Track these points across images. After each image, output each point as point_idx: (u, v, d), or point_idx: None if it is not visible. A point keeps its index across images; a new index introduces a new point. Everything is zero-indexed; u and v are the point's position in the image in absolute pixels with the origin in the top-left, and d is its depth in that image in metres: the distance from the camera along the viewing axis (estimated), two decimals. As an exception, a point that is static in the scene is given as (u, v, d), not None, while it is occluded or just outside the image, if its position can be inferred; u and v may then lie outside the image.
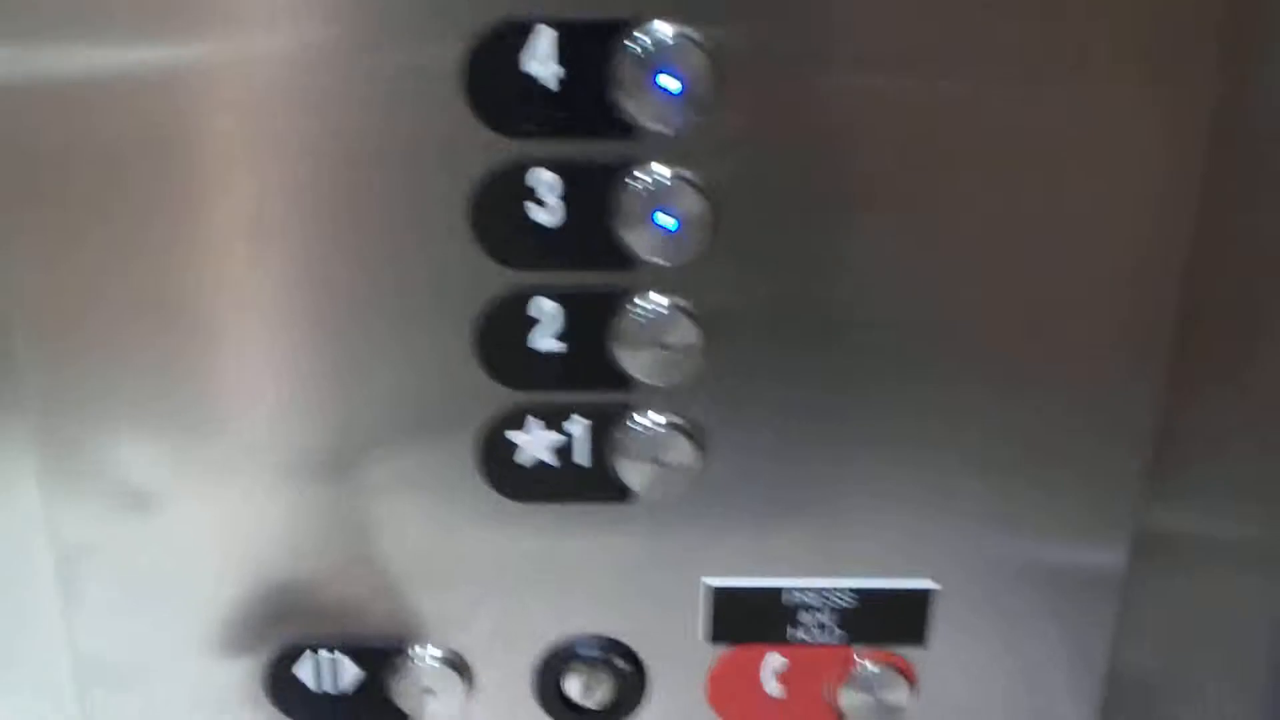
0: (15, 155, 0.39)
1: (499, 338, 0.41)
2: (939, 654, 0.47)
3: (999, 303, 0.41)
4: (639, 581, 0.46)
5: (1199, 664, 0.50)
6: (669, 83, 0.36)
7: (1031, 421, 0.43)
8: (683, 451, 0.43)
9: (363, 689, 0.47)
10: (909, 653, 0.47)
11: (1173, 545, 0.47)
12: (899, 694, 0.47)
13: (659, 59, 0.36)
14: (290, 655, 0.47)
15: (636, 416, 0.43)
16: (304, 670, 0.47)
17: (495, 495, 0.44)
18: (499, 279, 0.41)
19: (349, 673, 0.47)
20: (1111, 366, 0.43)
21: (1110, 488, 0.45)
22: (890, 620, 0.46)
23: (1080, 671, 0.48)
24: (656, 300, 0.40)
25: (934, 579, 0.46)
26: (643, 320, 0.40)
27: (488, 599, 0.46)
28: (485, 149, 0.38)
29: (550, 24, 0.37)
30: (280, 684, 0.48)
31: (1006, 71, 0.38)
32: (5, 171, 0.39)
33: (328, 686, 0.47)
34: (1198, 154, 0.39)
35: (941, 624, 0.47)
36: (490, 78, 0.37)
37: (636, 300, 0.40)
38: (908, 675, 0.47)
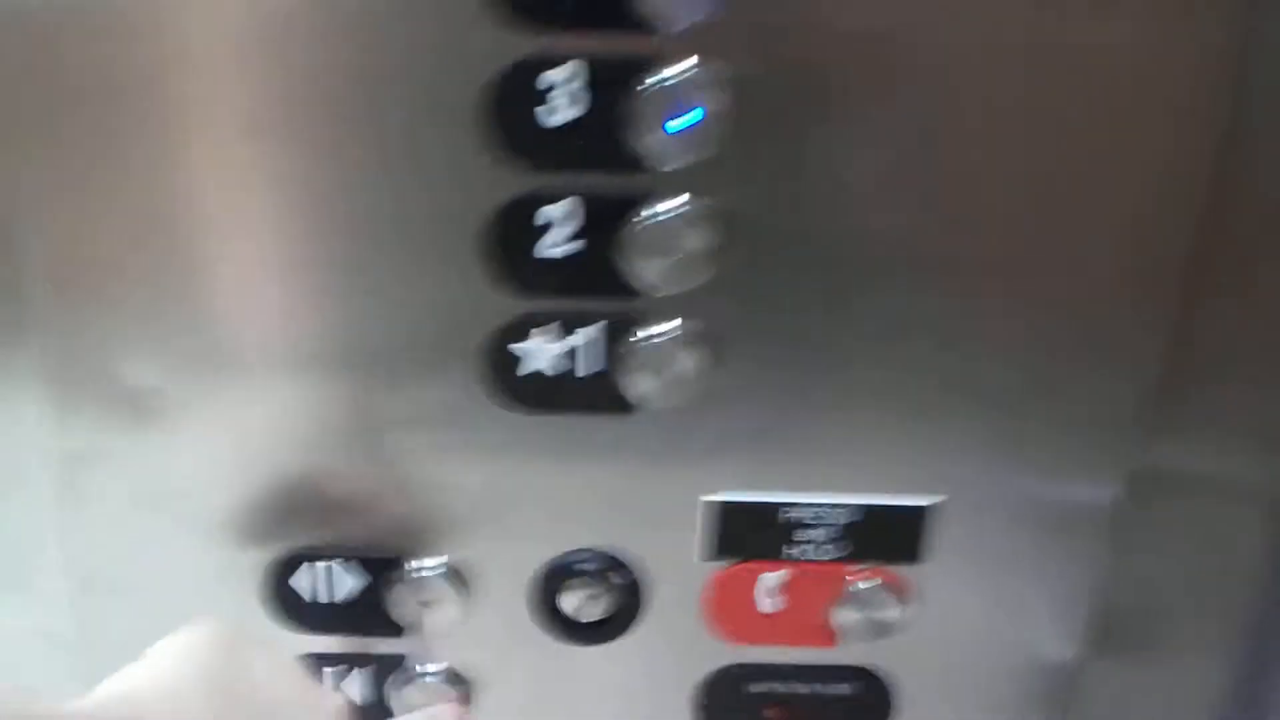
0: (21, 81, 0.39)
1: (507, 243, 0.41)
2: (932, 575, 0.48)
3: (1008, 231, 0.42)
4: (638, 497, 0.46)
5: (1189, 596, 0.50)
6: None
7: (1036, 350, 0.44)
8: (688, 362, 0.43)
9: (360, 599, 0.47)
10: (903, 573, 0.47)
11: (1167, 480, 0.47)
12: (892, 612, 0.48)
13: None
14: (288, 565, 0.47)
15: (643, 326, 0.42)
16: (301, 580, 0.47)
17: (497, 407, 0.44)
18: (509, 184, 0.40)
19: (347, 582, 0.47)
20: (1118, 300, 0.43)
21: (1110, 421, 0.45)
22: (887, 537, 0.47)
23: (1070, 600, 0.49)
24: (669, 204, 0.40)
25: (931, 498, 0.46)
26: (655, 225, 0.40)
27: (487, 512, 0.46)
28: (496, 47, 0.38)
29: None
30: (278, 593, 0.47)
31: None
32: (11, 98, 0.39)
33: (324, 596, 0.47)
34: (1221, 87, 0.39)
35: (936, 545, 0.47)
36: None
37: (649, 205, 0.40)
38: (901, 593, 0.47)
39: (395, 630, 0.48)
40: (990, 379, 0.44)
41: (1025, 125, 0.40)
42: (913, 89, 0.39)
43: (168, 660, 0.35)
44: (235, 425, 0.44)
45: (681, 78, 0.38)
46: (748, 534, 0.46)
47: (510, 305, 0.42)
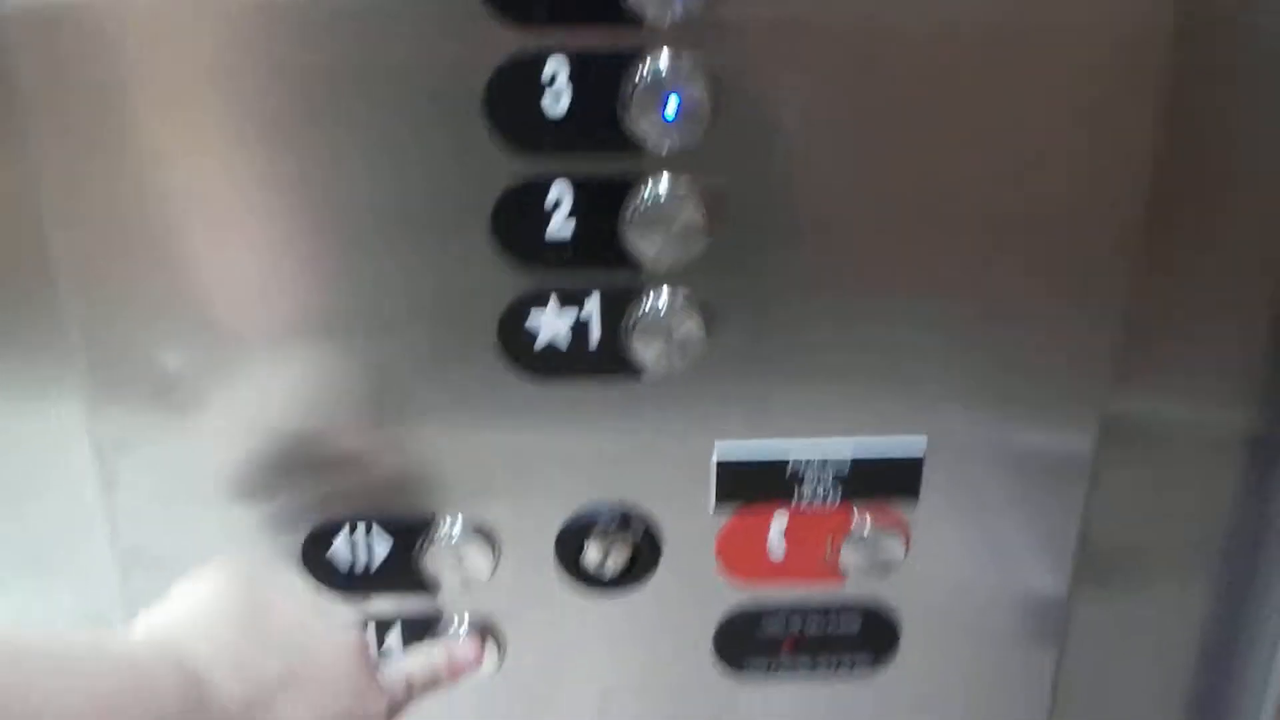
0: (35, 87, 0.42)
1: (518, 227, 0.44)
2: (928, 516, 0.51)
3: (980, 193, 0.44)
4: (651, 455, 0.49)
5: (1167, 532, 0.53)
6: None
7: (1013, 305, 0.47)
8: (691, 327, 0.46)
9: (392, 560, 0.51)
10: (901, 513, 0.51)
11: (1141, 423, 0.50)
12: (893, 550, 0.51)
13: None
14: (323, 535, 0.50)
15: (647, 296, 0.45)
16: (338, 549, 0.50)
17: (514, 375, 0.47)
18: (516, 171, 0.43)
19: (380, 547, 0.50)
20: (1085, 255, 0.46)
21: (1084, 370, 0.48)
22: (886, 478, 0.50)
23: (1056, 538, 0.52)
24: (665, 184, 0.43)
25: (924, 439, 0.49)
26: (652, 204, 0.43)
27: (510, 474, 0.49)
28: (497, 42, 0.41)
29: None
30: (316, 561, 0.51)
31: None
32: (35, 103, 0.42)
33: (361, 562, 0.51)
34: (1166, 43, 0.42)
35: (931, 487, 0.50)
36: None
37: (646, 185, 0.43)
38: (901, 533, 0.51)
39: (427, 589, 0.51)
40: (972, 333, 0.47)
41: (990, 101, 0.43)
42: (882, 73, 0.42)
43: (193, 597, 0.39)
44: (266, 404, 0.48)
45: (672, 67, 0.41)
46: (754, 483, 0.50)
47: (523, 284, 0.45)
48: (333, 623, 0.42)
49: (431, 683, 0.46)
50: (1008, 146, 0.43)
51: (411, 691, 0.45)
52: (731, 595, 0.52)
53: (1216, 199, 0.46)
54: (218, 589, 0.40)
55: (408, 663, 0.46)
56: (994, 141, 0.43)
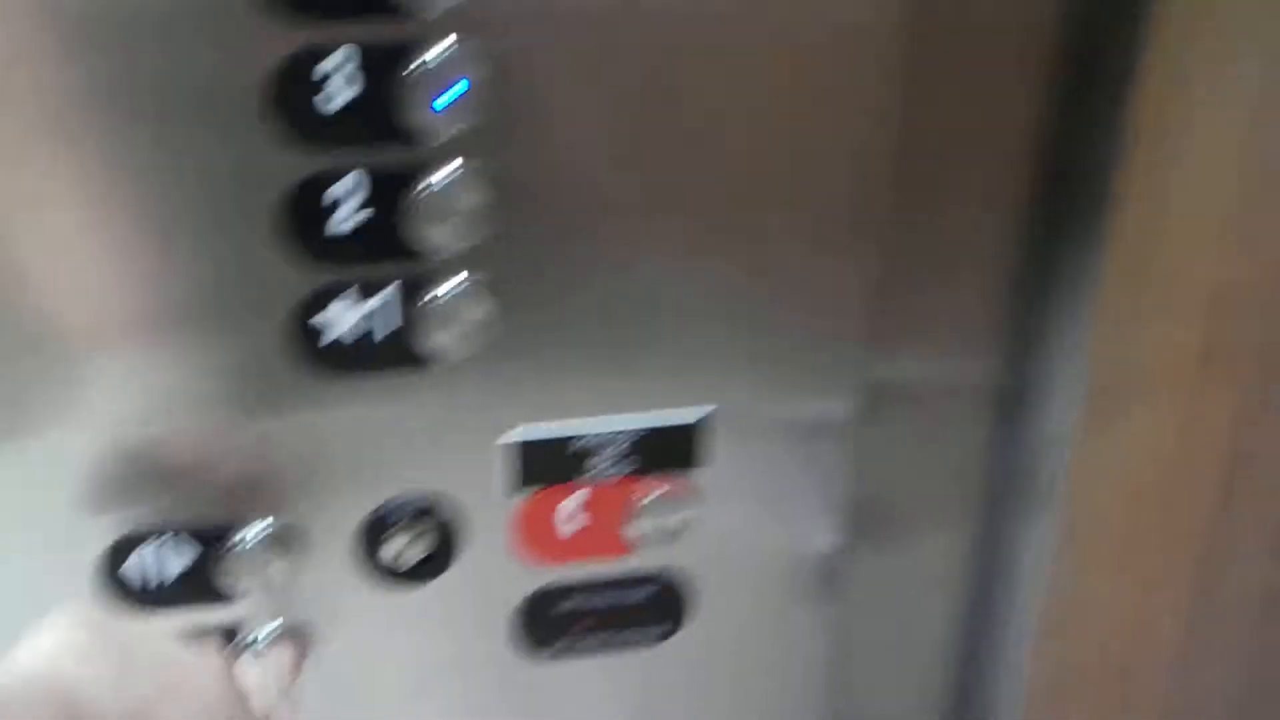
0: None
1: (300, 223, 0.45)
2: (709, 483, 0.54)
3: (737, 172, 0.48)
4: (443, 443, 0.51)
5: (927, 488, 0.58)
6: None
7: (772, 281, 0.51)
8: (479, 312, 0.48)
9: (194, 571, 0.50)
10: (683, 483, 0.54)
11: (894, 388, 0.55)
12: (677, 518, 0.54)
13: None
14: (119, 551, 0.50)
15: (432, 285, 0.47)
16: (137, 560, 0.50)
17: (307, 372, 0.48)
18: (297, 167, 0.44)
19: (178, 559, 0.50)
20: (830, 233, 0.50)
21: (836, 339, 0.53)
22: (666, 451, 0.53)
23: (826, 498, 0.56)
24: (443, 172, 0.45)
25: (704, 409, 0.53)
26: (432, 193, 0.45)
27: (305, 473, 0.50)
28: (271, 38, 0.42)
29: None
30: (115, 577, 0.50)
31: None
32: None
33: (161, 572, 0.50)
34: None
35: (710, 455, 0.53)
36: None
37: (425, 174, 0.45)
38: (684, 501, 0.54)
39: (229, 599, 0.51)
40: (740, 306, 0.51)
41: (739, 75, 0.46)
42: (640, 52, 0.45)
43: (60, 628, 0.38)
44: (52, 409, 0.47)
45: (442, 57, 0.43)
46: (544, 464, 0.52)
47: (309, 279, 0.46)
48: (200, 664, 0.42)
49: (273, 694, 0.47)
50: (758, 119, 0.47)
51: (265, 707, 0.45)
52: (532, 576, 0.54)
53: (953, 158, 0.51)
54: (83, 618, 0.39)
55: (249, 678, 0.46)
56: (744, 115, 0.47)
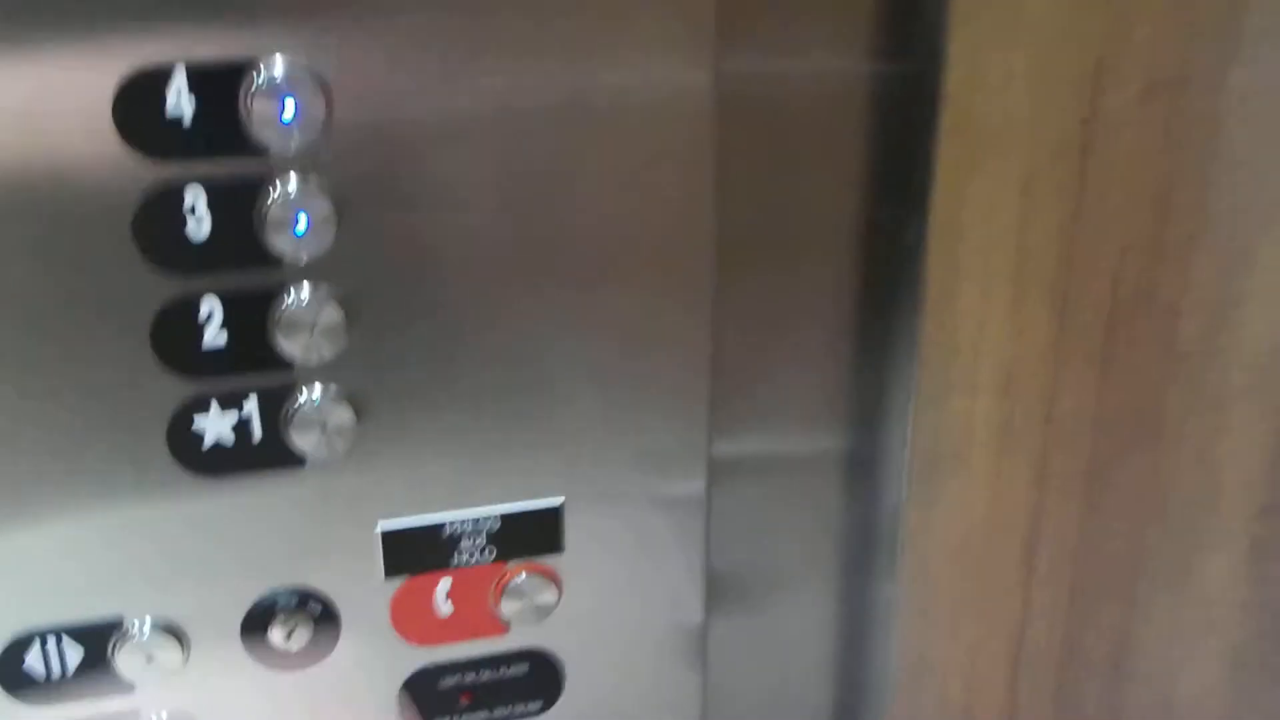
0: None
1: (174, 341, 0.50)
2: (575, 561, 0.58)
3: (578, 264, 0.53)
4: (322, 535, 0.55)
5: (780, 558, 0.63)
6: (287, 111, 0.46)
7: (619, 369, 0.55)
8: (343, 416, 0.52)
9: (87, 666, 0.54)
10: (553, 564, 0.58)
11: (742, 463, 0.60)
12: (547, 597, 0.58)
13: (281, 90, 0.46)
14: (17, 647, 0.53)
15: (300, 392, 0.52)
16: (32, 660, 0.53)
17: (188, 475, 0.52)
18: (167, 290, 0.49)
19: (73, 653, 0.54)
20: (667, 330, 0.55)
21: (685, 418, 0.57)
22: (531, 536, 0.57)
23: (687, 572, 0.61)
24: (303, 291, 0.50)
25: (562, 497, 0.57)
26: (292, 310, 0.50)
27: (192, 569, 0.54)
28: (136, 173, 0.47)
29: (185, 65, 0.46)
30: (12, 677, 0.54)
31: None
32: None
33: (55, 671, 0.54)
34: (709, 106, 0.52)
35: (573, 536, 0.58)
36: (137, 113, 0.46)
37: (286, 293, 0.50)
38: (552, 580, 0.58)
39: (124, 689, 0.55)
40: (589, 398, 0.55)
41: (571, 181, 0.52)
42: (483, 161, 0.50)
43: None
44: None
45: (299, 189, 0.48)
46: (418, 551, 0.56)
47: (187, 391, 0.51)
48: None
49: None
50: (594, 217, 0.52)
51: None
52: (412, 656, 0.58)
53: (776, 243, 0.56)
54: None
55: None
56: (581, 211, 0.52)
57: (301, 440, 0.52)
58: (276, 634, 0.56)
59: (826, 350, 0.58)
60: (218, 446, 0.52)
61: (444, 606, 0.57)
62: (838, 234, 0.57)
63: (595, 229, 0.53)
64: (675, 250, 0.54)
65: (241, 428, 0.52)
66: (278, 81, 0.46)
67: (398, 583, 0.57)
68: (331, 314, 0.50)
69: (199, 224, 0.48)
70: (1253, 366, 0.58)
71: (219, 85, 0.46)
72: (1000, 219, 0.53)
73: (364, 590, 0.56)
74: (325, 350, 0.51)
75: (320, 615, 0.56)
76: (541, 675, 0.60)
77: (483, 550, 0.57)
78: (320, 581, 0.56)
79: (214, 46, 0.46)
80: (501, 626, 0.58)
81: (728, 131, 0.53)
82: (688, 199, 0.53)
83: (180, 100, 0.46)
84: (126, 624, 0.54)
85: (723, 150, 0.52)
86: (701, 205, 0.53)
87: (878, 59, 0.55)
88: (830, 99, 0.55)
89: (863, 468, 0.60)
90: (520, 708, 0.61)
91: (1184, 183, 0.54)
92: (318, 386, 0.52)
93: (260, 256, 0.49)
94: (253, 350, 0.50)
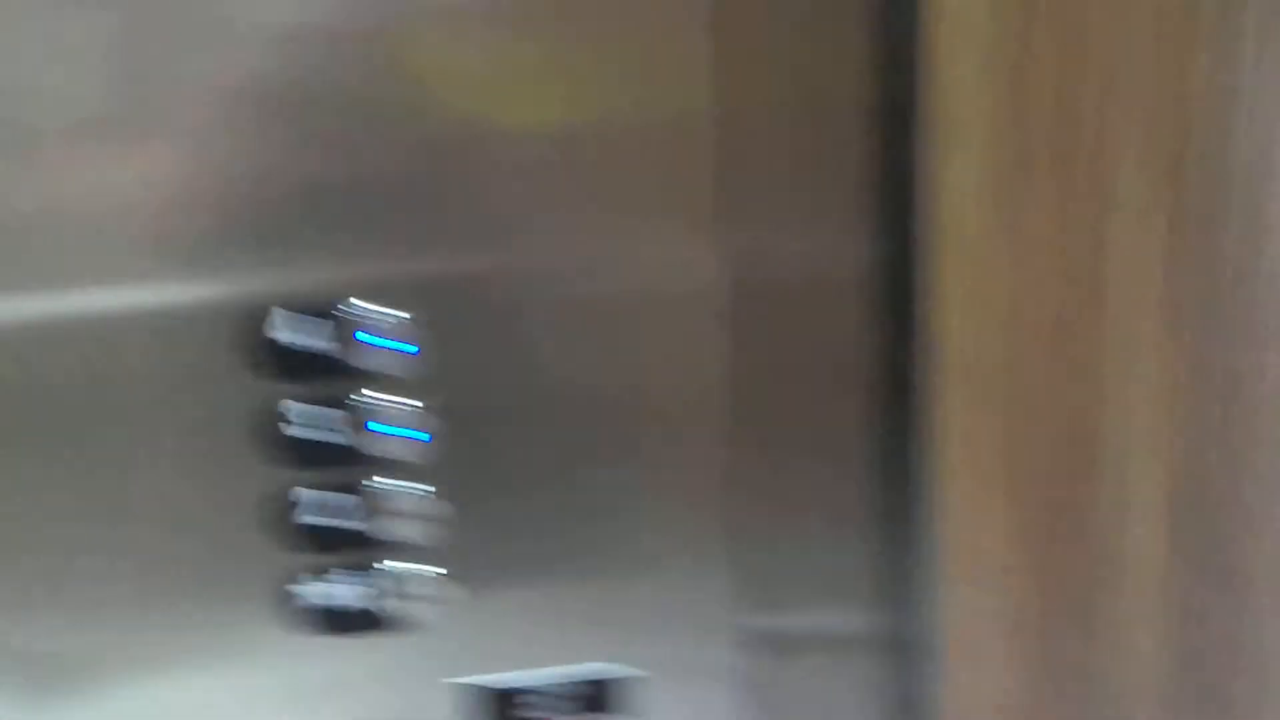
0: None
1: (282, 521, 0.57)
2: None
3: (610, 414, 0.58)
4: (405, 692, 0.61)
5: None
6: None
7: (642, 548, 0.60)
8: (430, 590, 0.58)
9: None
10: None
11: (778, 639, 0.63)
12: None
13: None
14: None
15: (393, 571, 0.58)
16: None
17: (289, 630, 0.59)
18: (279, 479, 0.56)
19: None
20: (692, 495, 0.59)
21: (712, 603, 0.61)
22: (599, 698, 0.62)
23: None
24: (395, 484, 0.56)
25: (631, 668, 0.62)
26: (387, 500, 0.56)
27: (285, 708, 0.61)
28: (252, 392, 0.54)
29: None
30: None
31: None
32: None
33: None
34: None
35: (644, 700, 0.62)
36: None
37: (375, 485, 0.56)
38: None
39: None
40: (615, 587, 0.60)
41: (594, 333, 0.56)
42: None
43: None
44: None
45: (394, 409, 0.55)
46: (495, 710, 0.61)
47: (299, 563, 0.57)
48: None
49: None
50: (607, 376, 0.57)
51: None
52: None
53: (789, 420, 0.60)
54: None
55: None
56: (594, 375, 0.57)
57: (393, 610, 0.58)
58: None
59: (849, 524, 0.61)
60: (318, 609, 0.58)
61: (520, 762, 0.62)
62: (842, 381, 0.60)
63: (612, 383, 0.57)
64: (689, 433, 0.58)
65: (343, 598, 0.58)
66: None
67: (486, 739, 0.62)
68: (427, 502, 0.56)
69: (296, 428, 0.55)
70: None
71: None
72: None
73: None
74: (414, 534, 0.57)
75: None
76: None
77: (555, 710, 0.62)
78: (407, 730, 0.62)
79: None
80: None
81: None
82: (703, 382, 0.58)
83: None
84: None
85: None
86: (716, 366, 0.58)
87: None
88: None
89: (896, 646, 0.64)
90: None
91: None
92: (412, 566, 0.58)
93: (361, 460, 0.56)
94: (354, 535, 0.57)
